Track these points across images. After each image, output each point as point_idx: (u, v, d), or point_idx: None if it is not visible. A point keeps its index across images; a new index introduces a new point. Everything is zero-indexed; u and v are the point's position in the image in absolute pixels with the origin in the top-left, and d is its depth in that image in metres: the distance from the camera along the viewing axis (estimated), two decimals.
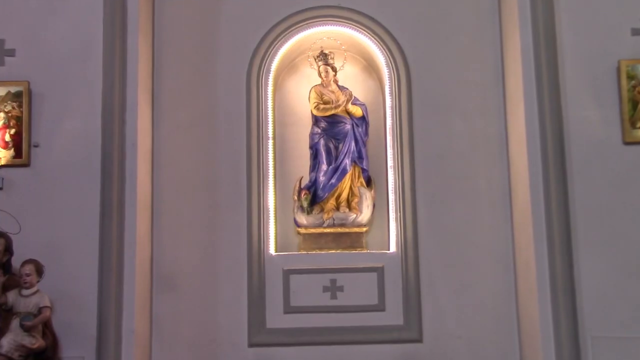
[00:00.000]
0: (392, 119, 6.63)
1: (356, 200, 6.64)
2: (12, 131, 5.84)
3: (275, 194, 6.61)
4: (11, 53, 5.96)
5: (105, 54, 5.98)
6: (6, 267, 5.46)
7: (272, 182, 6.58)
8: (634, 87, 5.85)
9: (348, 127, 6.72)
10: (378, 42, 6.68)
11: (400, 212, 6.47)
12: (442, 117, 6.60)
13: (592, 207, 5.78)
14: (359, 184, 6.68)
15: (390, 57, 6.65)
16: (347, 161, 6.65)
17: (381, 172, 6.74)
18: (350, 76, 6.98)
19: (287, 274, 6.39)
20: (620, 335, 5.61)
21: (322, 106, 6.74)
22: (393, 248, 6.48)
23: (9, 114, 5.85)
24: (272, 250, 6.47)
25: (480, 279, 6.38)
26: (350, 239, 6.57)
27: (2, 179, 5.78)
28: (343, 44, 6.86)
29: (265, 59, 6.67)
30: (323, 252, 6.49)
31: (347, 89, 6.82)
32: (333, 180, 6.65)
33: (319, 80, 6.84)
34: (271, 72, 6.69)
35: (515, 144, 6.27)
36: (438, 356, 6.28)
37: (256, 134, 6.55)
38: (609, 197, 5.78)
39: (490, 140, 6.57)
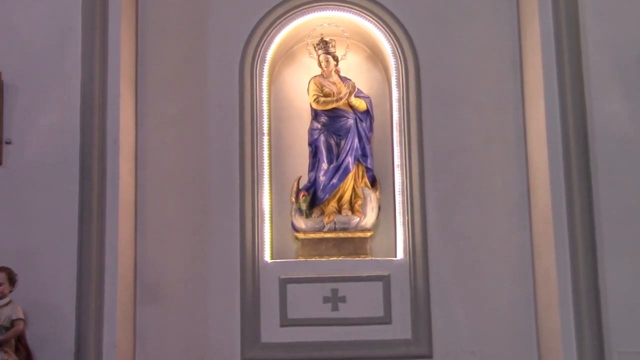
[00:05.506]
0: (399, 113, 6.62)
1: (360, 202, 6.64)
2: None
3: (271, 196, 6.62)
4: None
5: (85, 42, 6.02)
6: None
7: (268, 182, 6.60)
8: None
9: (351, 122, 6.73)
10: (384, 28, 6.68)
11: (408, 215, 6.46)
12: (454, 111, 6.60)
13: (619, 210, 5.79)
14: (362, 185, 6.68)
15: (397, 45, 6.65)
16: (350, 159, 6.65)
17: (387, 172, 6.74)
18: (353, 66, 7.00)
19: (284, 283, 6.39)
20: None
21: (322, 99, 6.74)
22: (400, 255, 6.48)
23: None
24: (267, 257, 6.47)
25: (495, 288, 6.37)
26: (354, 245, 6.58)
27: None
28: (345, 31, 6.87)
29: (260, 47, 6.68)
30: (323, 259, 6.50)
31: (349, 80, 6.83)
32: (334, 181, 6.65)
33: (319, 71, 6.86)
34: (266, 61, 6.69)
35: (535, 140, 6.26)
36: None
37: (250, 130, 6.55)
38: (636, 198, 5.78)
39: (507, 137, 6.56)
